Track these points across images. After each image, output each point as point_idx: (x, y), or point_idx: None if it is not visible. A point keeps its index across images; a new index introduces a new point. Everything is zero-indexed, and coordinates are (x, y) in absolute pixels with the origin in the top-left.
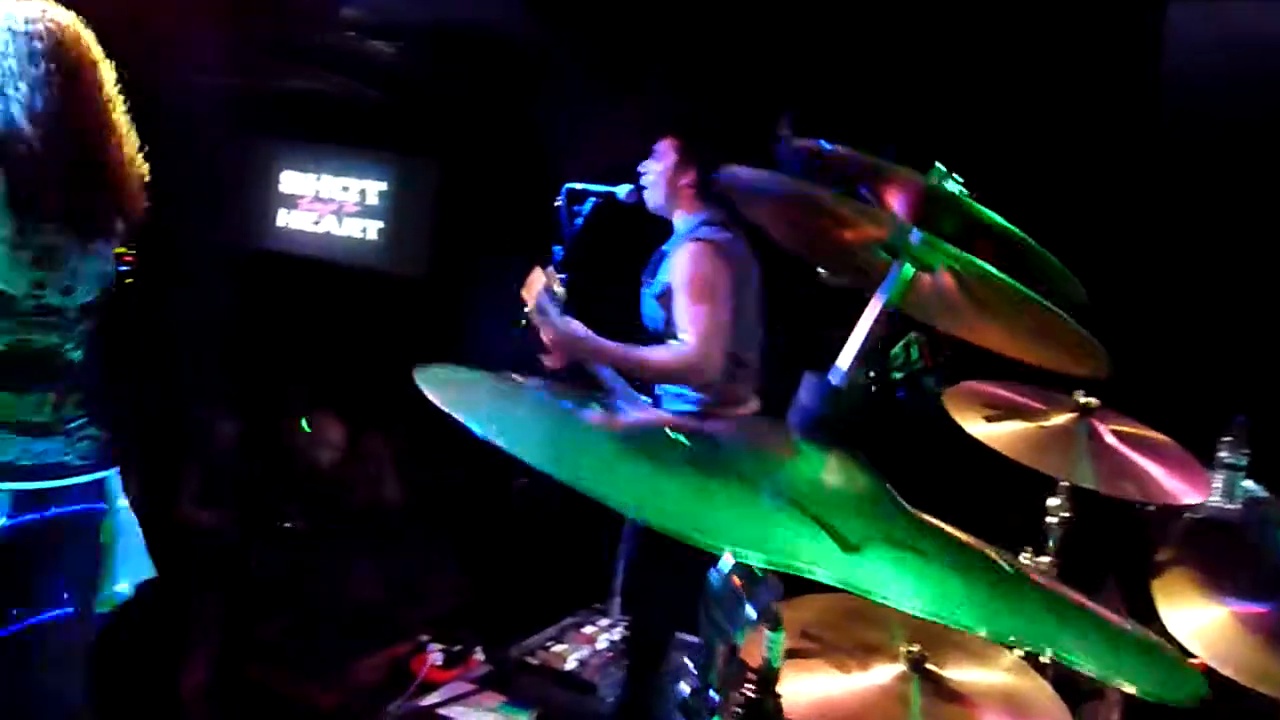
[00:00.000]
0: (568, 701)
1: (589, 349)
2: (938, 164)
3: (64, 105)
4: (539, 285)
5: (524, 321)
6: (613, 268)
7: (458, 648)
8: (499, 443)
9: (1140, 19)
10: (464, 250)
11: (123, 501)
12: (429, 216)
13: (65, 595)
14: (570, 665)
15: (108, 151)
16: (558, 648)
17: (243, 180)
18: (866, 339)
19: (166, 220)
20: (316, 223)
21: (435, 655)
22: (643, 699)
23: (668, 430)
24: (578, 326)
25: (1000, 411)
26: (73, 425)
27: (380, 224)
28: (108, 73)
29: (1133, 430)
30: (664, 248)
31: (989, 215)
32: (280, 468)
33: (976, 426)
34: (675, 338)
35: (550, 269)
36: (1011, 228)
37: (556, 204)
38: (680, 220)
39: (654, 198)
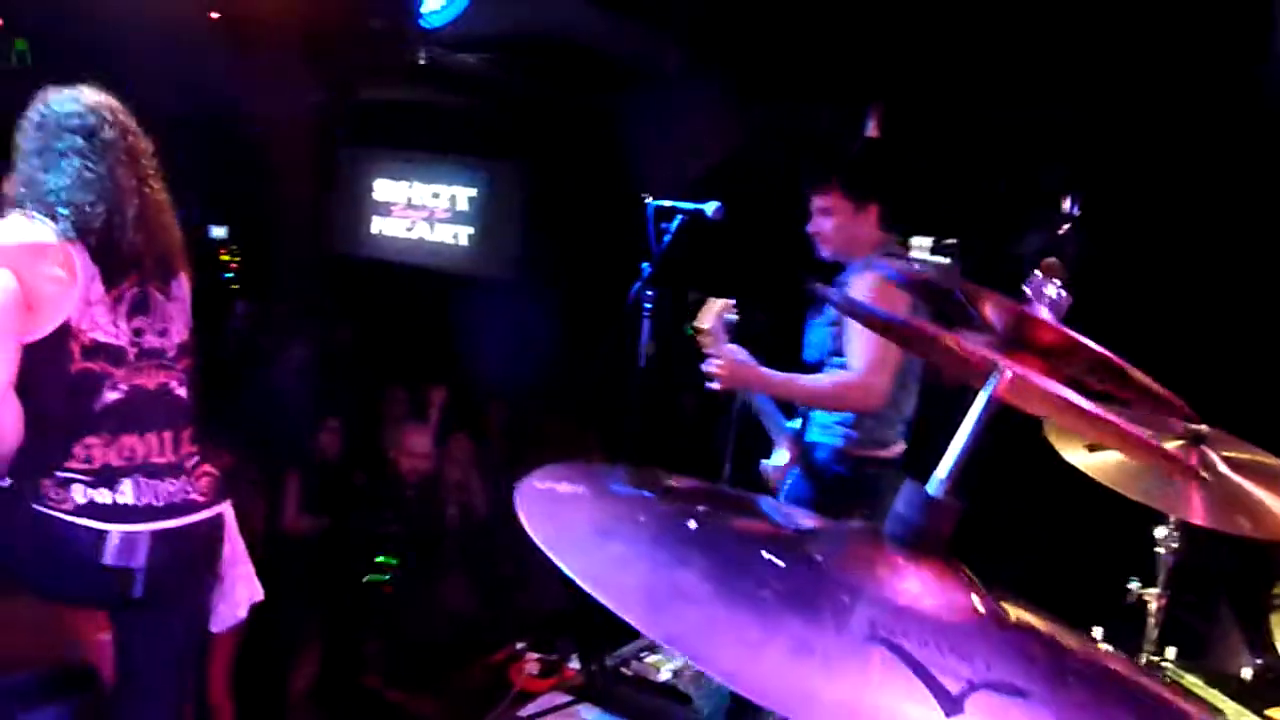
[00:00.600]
0: (663, 712)
1: (753, 378)
2: (1039, 271)
3: (123, 176)
4: (716, 313)
5: (691, 333)
6: (700, 283)
7: (554, 657)
8: (594, 592)
9: None
10: (551, 253)
11: (235, 531)
12: (517, 221)
13: (188, 624)
14: (665, 676)
15: (161, 207)
16: (652, 658)
17: (338, 190)
18: (966, 449)
19: (270, 231)
20: (409, 229)
21: (531, 664)
22: (744, 709)
23: (763, 553)
24: (745, 356)
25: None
26: (191, 463)
27: (470, 229)
28: (146, 143)
29: (1248, 457)
30: (840, 278)
31: (1086, 341)
32: (378, 477)
33: (1078, 456)
34: (834, 368)
35: (727, 300)
36: (1107, 352)
37: (643, 219)
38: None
39: (835, 248)
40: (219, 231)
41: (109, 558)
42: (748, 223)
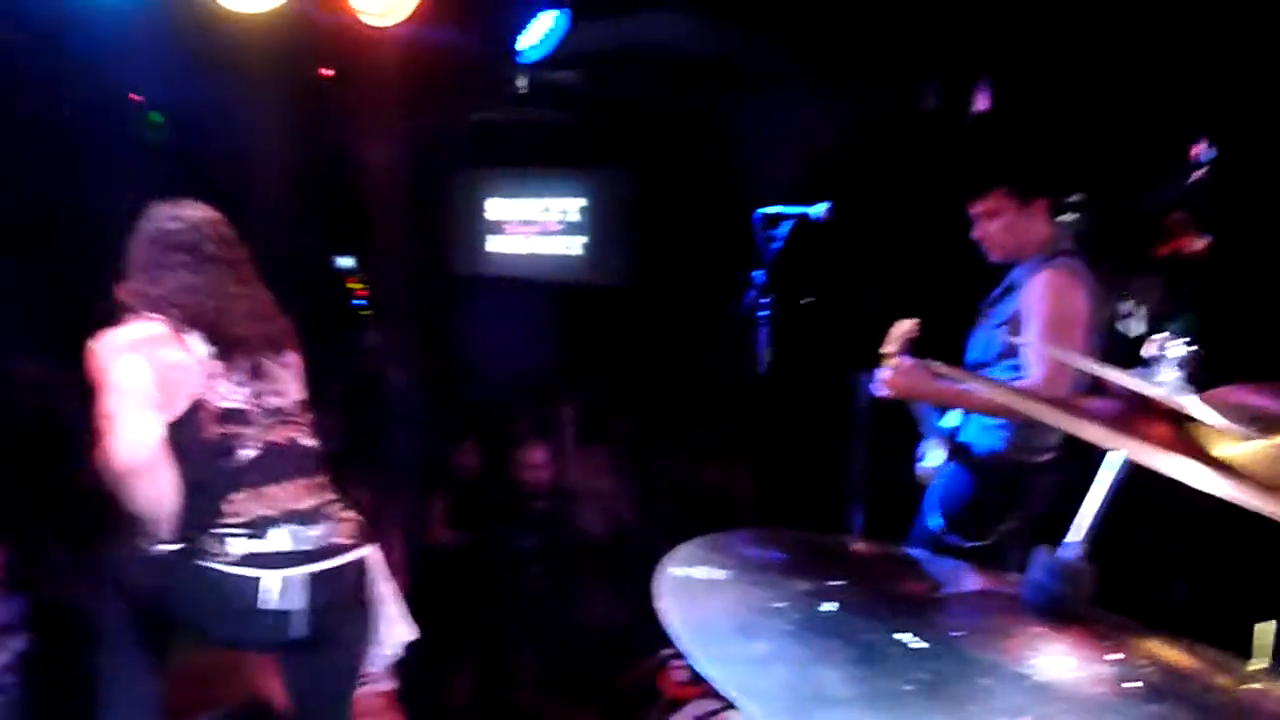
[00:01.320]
0: None
1: (926, 390)
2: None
3: (226, 283)
4: (901, 336)
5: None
6: (812, 287)
7: None
8: (739, 702)
9: None
10: (662, 259)
11: (384, 573)
12: (626, 228)
13: (346, 661)
14: None
15: (264, 305)
16: None
17: (454, 212)
18: (1099, 512)
19: (393, 258)
20: (523, 244)
21: (679, 671)
22: None
23: (897, 637)
24: (920, 366)
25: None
26: (332, 509)
27: (582, 239)
28: (243, 249)
29: None
30: (1011, 277)
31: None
32: (515, 492)
33: (1230, 448)
34: (1004, 371)
35: (912, 320)
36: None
37: (751, 222)
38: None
39: (1005, 251)
40: (346, 262)
41: (269, 602)
42: (862, 222)
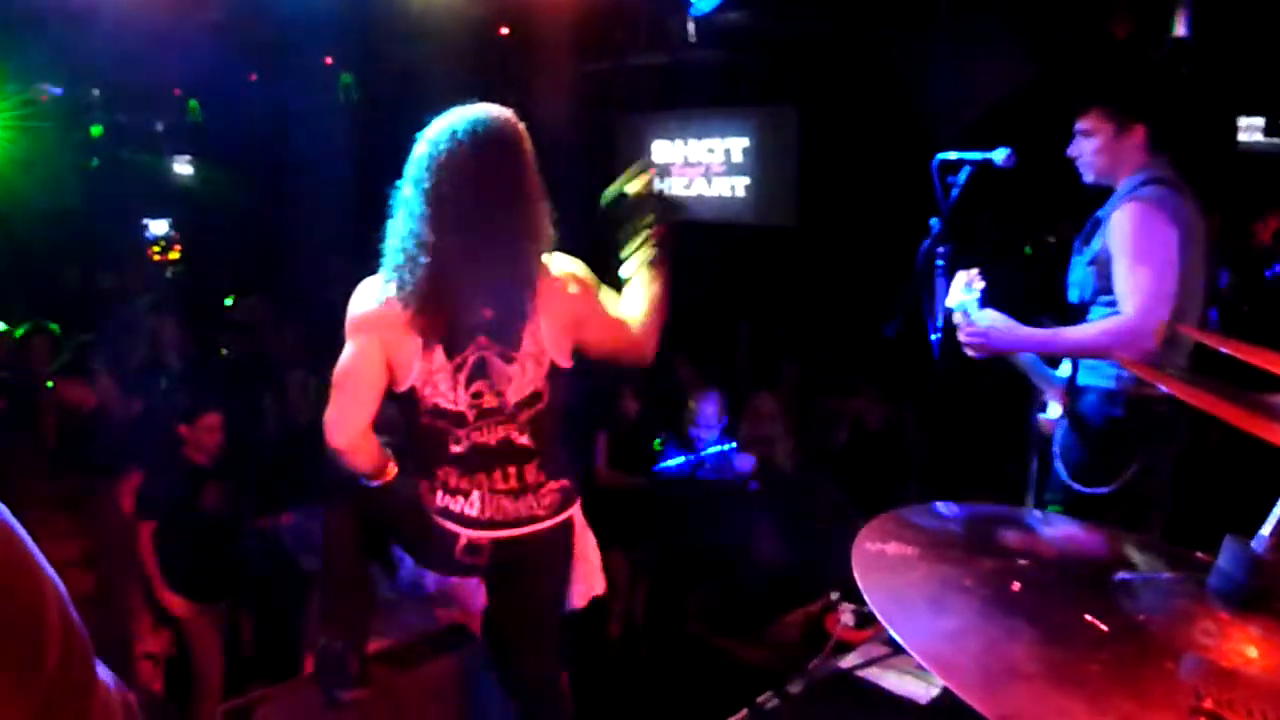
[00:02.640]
0: None
1: (1012, 340)
2: None
3: (455, 236)
4: (961, 288)
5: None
6: (993, 236)
7: (868, 609)
8: (937, 673)
9: None
10: (831, 199)
11: (583, 532)
12: (793, 167)
13: (540, 603)
14: None
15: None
16: None
17: (618, 157)
18: None
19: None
20: (688, 186)
21: (846, 615)
22: None
23: (1087, 617)
24: (996, 318)
25: None
26: (537, 484)
27: (747, 180)
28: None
29: None
30: (1099, 213)
31: None
32: (672, 437)
33: None
34: (1102, 308)
35: (972, 271)
36: None
37: (924, 156)
38: (1122, 182)
39: (1097, 171)
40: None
41: (459, 554)
42: (1047, 167)
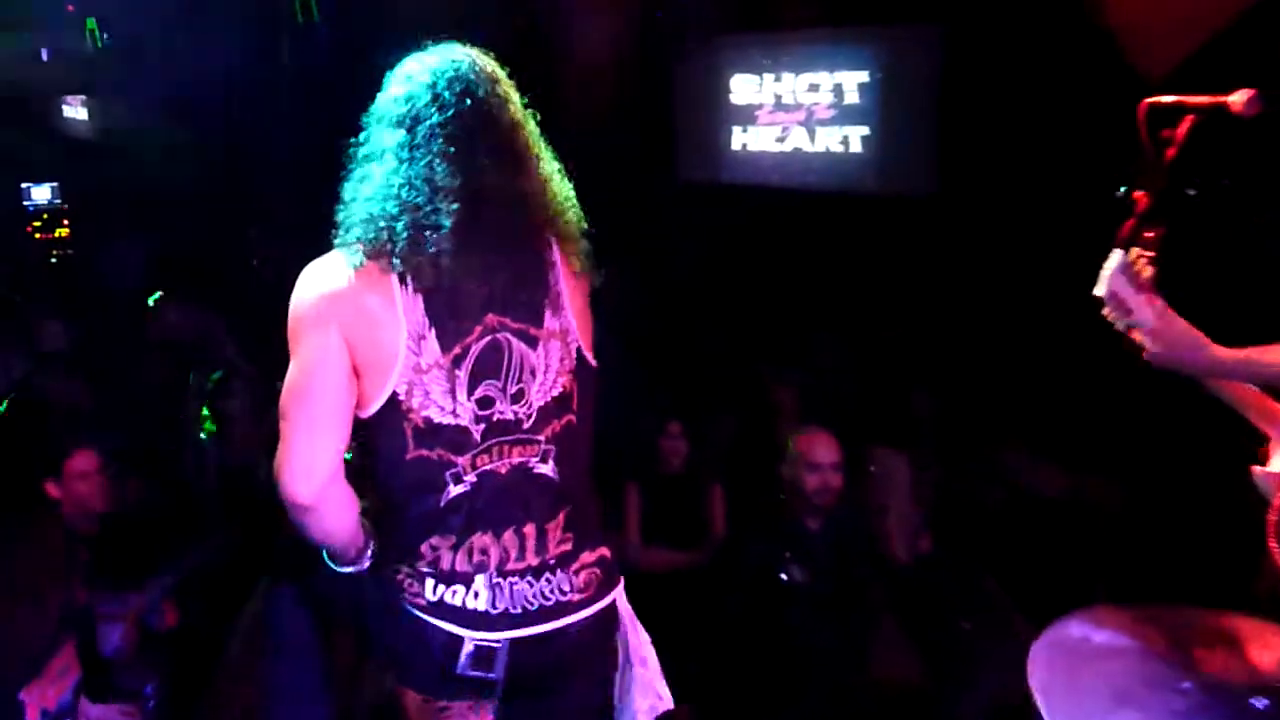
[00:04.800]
0: None
1: (1198, 356)
2: None
3: (451, 171)
4: (1116, 271)
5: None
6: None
7: None
8: None
9: None
10: (984, 156)
11: (632, 625)
12: (930, 114)
13: None
14: None
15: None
16: None
17: (684, 97)
18: None
19: (600, 160)
20: (781, 138)
21: None
22: None
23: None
24: (1179, 327)
25: None
26: (564, 555)
27: (865, 129)
28: (511, 113)
29: None
30: None
31: None
32: (766, 498)
33: None
34: None
35: (1134, 249)
36: None
37: (1121, 103)
38: None
39: None
40: None
41: (462, 666)
42: None
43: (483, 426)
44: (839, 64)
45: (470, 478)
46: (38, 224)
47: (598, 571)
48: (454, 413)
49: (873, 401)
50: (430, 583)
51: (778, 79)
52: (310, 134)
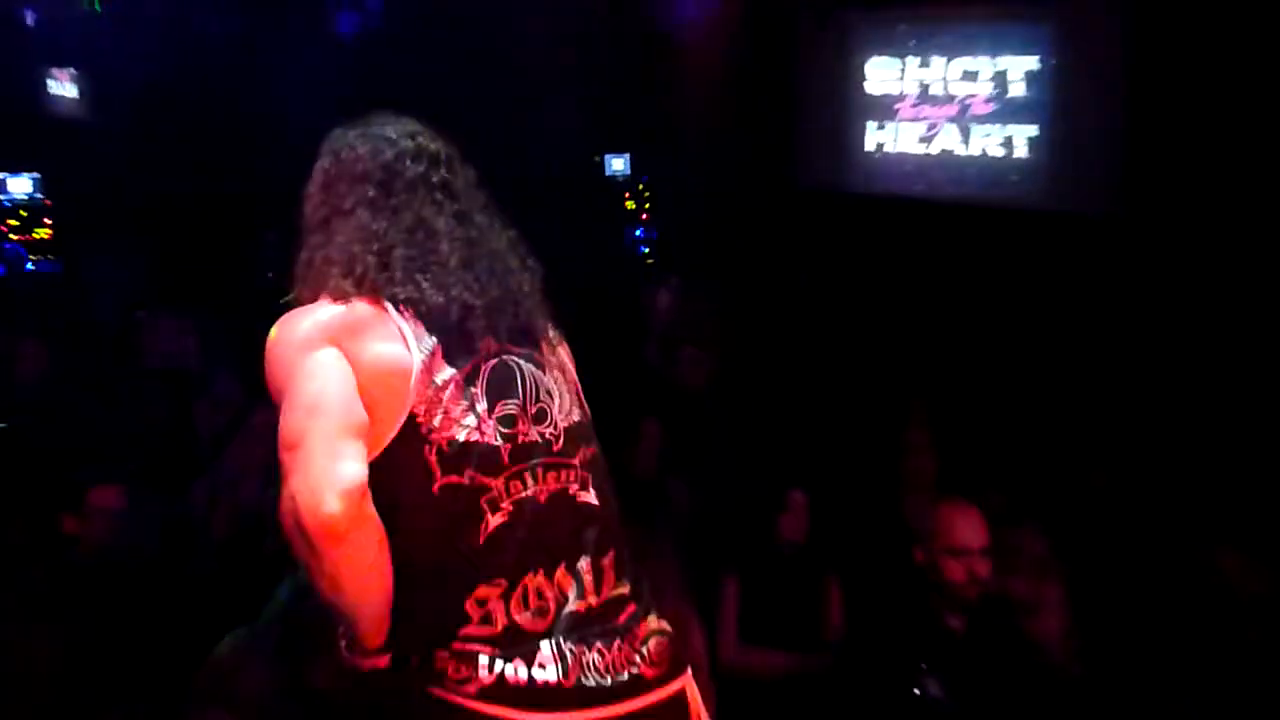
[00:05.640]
0: None
1: None
2: None
3: (436, 220)
4: None
5: None
6: None
7: None
8: None
9: None
10: (1186, 166)
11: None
12: (1116, 110)
13: None
14: None
15: (497, 256)
16: None
17: (808, 86)
18: None
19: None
20: (926, 137)
21: None
22: None
23: None
24: None
25: None
26: (626, 612)
27: (1033, 129)
28: (467, 172)
29: None
30: None
31: None
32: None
33: None
34: None
35: None
36: None
37: None
38: None
39: None
40: (618, 164)
41: None
42: None
43: (509, 447)
44: (1003, 46)
45: (507, 505)
46: (13, 223)
47: (666, 643)
48: (479, 429)
49: (1031, 470)
50: (484, 659)
51: (924, 63)
52: (342, 117)
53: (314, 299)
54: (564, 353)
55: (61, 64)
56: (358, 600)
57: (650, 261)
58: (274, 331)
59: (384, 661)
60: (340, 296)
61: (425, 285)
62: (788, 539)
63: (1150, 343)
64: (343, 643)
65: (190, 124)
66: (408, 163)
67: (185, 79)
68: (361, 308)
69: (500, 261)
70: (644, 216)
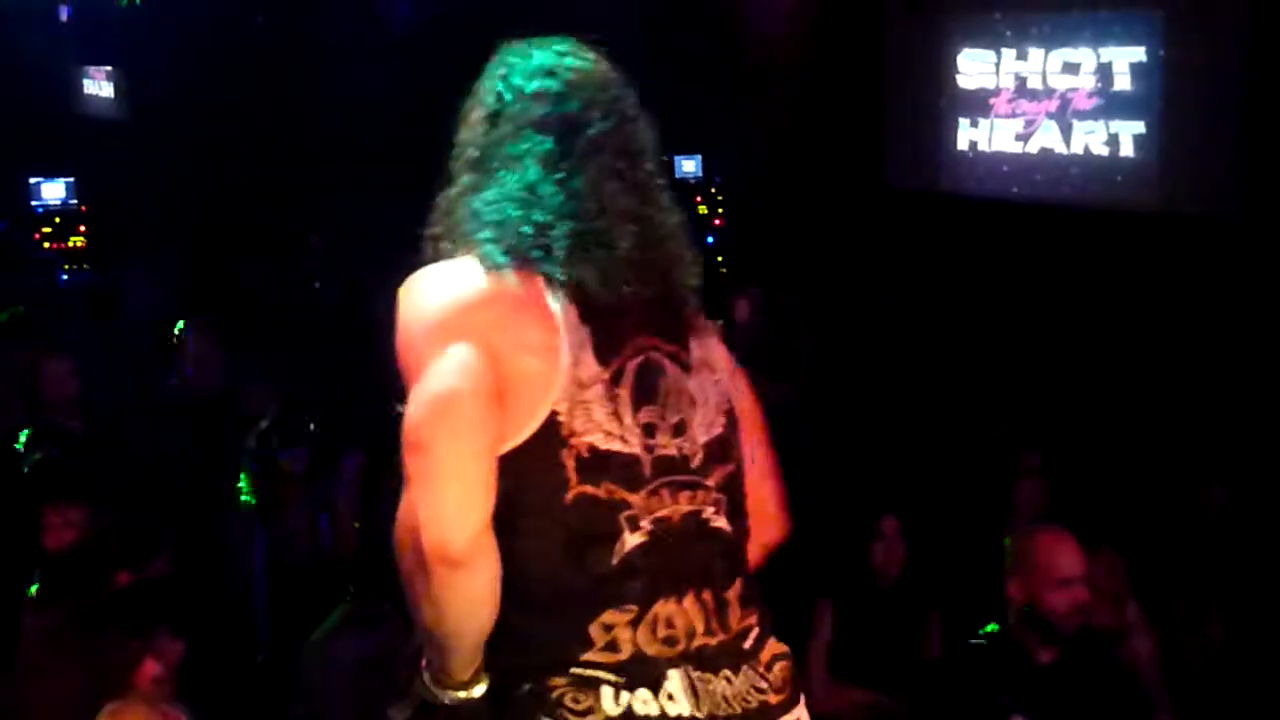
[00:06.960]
0: None
1: None
2: None
3: (615, 191)
4: None
5: None
6: None
7: None
8: None
9: None
10: None
11: None
12: (1230, 106)
13: None
14: None
15: (671, 234)
16: None
17: (895, 83)
18: None
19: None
20: (1024, 135)
21: None
22: None
23: None
24: None
25: None
26: (752, 640)
27: (1139, 126)
28: (647, 134)
29: None
30: None
31: None
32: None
33: None
34: None
35: None
36: None
37: None
38: None
39: None
40: (689, 165)
41: None
42: None
43: (650, 459)
44: (1107, 36)
45: (646, 524)
46: (47, 230)
47: (788, 666)
48: (622, 438)
49: (1140, 491)
50: (608, 690)
51: (1022, 55)
52: (397, 114)
53: (454, 252)
54: (714, 345)
55: (97, 62)
56: (459, 630)
57: (724, 271)
58: (408, 291)
59: (477, 693)
60: (489, 265)
61: (588, 270)
62: (882, 568)
63: (1267, 355)
64: (425, 675)
65: (233, 124)
66: (595, 119)
67: (228, 76)
68: (512, 283)
69: (670, 248)
70: (717, 222)
